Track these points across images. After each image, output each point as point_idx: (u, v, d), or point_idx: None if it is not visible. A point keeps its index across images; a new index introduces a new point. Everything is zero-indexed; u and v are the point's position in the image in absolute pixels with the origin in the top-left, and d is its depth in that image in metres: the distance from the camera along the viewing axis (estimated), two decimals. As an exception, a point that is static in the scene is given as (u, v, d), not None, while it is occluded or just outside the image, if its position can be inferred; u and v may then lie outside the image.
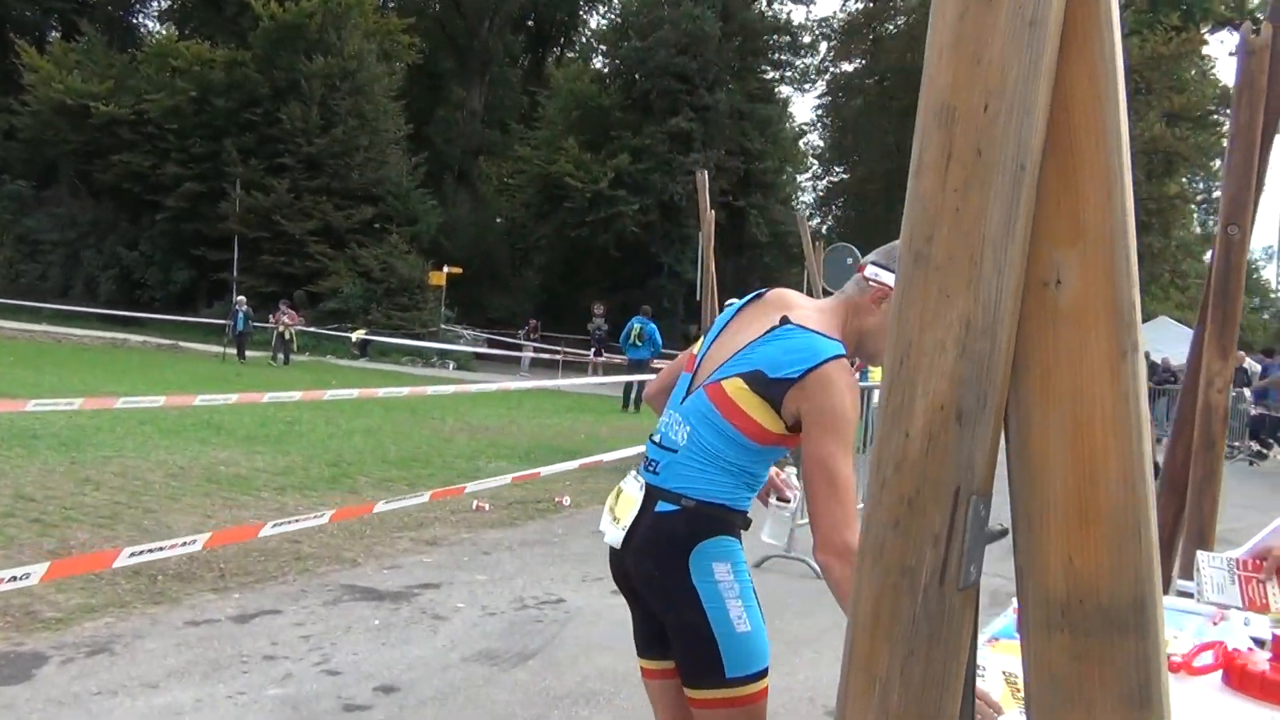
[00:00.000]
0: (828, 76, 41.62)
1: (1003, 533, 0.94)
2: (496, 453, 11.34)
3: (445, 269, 31.07)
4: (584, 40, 50.98)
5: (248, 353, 24.65)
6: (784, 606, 5.93)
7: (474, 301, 36.03)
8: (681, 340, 32.85)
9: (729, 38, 36.97)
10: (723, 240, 21.68)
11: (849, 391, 2.19)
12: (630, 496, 2.41)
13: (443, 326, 31.38)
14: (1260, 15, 37.56)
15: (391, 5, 43.13)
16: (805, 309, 2.40)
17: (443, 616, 5.38)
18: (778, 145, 40.55)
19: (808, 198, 46.77)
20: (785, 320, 2.31)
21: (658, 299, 31.12)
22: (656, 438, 2.44)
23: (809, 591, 6.39)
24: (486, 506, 8.26)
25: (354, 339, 28.25)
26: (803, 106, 58.28)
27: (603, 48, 43.78)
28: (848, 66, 39.49)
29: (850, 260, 16.87)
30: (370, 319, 30.48)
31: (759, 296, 2.51)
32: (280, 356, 24.55)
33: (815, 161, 47.33)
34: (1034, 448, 0.87)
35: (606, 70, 40.29)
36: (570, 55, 49.88)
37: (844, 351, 2.25)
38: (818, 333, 2.27)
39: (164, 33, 38.28)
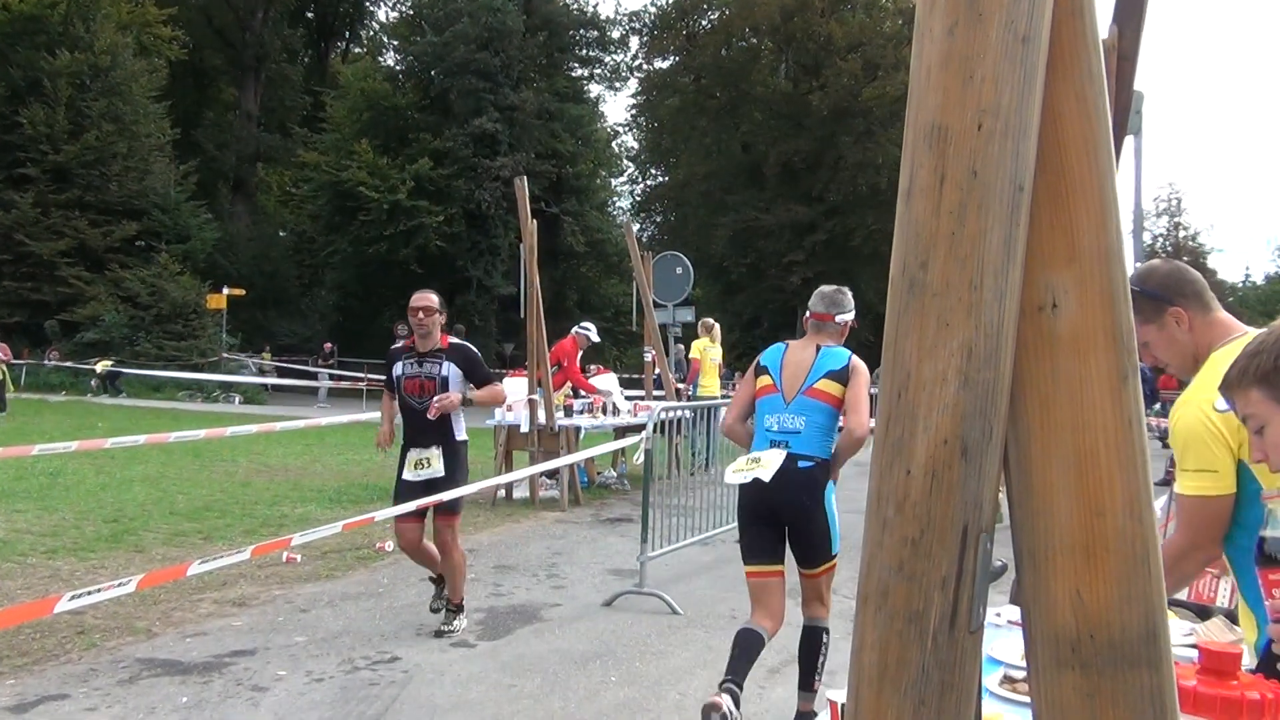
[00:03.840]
0: (641, 74, 42.34)
1: (1002, 569, 0.97)
2: (301, 496, 10.96)
3: (225, 290, 29.88)
4: (372, 34, 50.15)
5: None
6: (643, 647, 5.97)
7: (260, 326, 34.78)
8: (497, 360, 32.66)
9: (533, 32, 37.09)
10: (536, 250, 21.68)
11: (864, 366, 4.64)
12: (771, 458, 4.51)
13: (225, 356, 30.11)
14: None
15: (149, -7, 41.29)
16: (824, 341, 4.74)
17: (262, 687, 5.14)
18: (590, 147, 40.91)
19: (625, 203, 47.39)
20: (819, 348, 4.68)
21: (468, 316, 30.84)
22: (775, 428, 4.61)
23: (663, 628, 6.45)
24: (298, 558, 7.96)
25: (98, 371, 26.69)
26: (616, 107, 58.82)
27: (394, 43, 43.16)
28: (661, 64, 40.28)
29: (680, 270, 17.23)
30: (138, 349, 28.94)
31: (787, 346, 4.83)
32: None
33: (631, 164, 48.02)
34: (1036, 480, 0.90)
35: (400, 68, 39.72)
36: (357, 51, 48.95)
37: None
38: (839, 347, 4.73)
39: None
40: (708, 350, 14.14)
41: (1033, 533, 0.91)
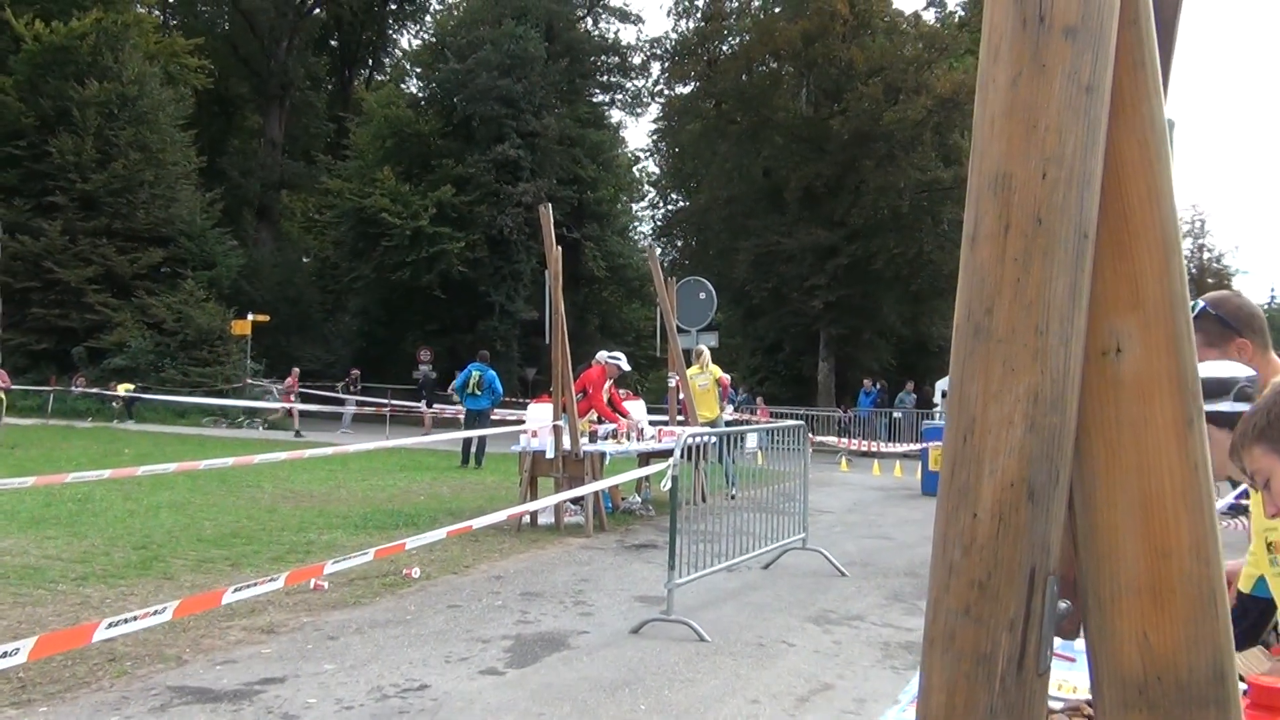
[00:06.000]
0: (662, 100, 42.55)
1: (1066, 611, 0.98)
2: (328, 522, 10.99)
3: (249, 317, 30.12)
4: (395, 61, 50.58)
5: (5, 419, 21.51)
6: (671, 674, 5.95)
7: (283, 352, 35.00)
8: (520, 386, 32.74)
9: (555, 59, 37.34)
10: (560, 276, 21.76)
11: None
12: None
13: (249, 381, 30.30)
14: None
15: (175, 24, 41.84)
16: None
17: (293, 715, 5.15)
18: (612, 173, 41.13)
19: (645, 228, 47.55)
20: None
21: (490, 341, 30.96)
22: None
23: (691, 656, 6.43)
24: (325, 585, 7.98)
25: (122, 393, 26.98)
26: (637, 132, 59.51)
27: (417, 70, 43.50)
28: (683, 89, 40.45)
29: (703, 295, 17.27)
30: (163, 375, 29.18)
31: None
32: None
33: (652, 189, 48.18)
34: (1102, 523, 0.91)
35: (423, 95, 40.03)
36: (380, 78, 49.38)
37: None
38: None
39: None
40: (695, 378, 14.14)
41: (1098, 575, 0.92)
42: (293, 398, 26.40)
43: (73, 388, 28.88)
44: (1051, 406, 0.89)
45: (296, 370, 27.38)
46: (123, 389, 27.22)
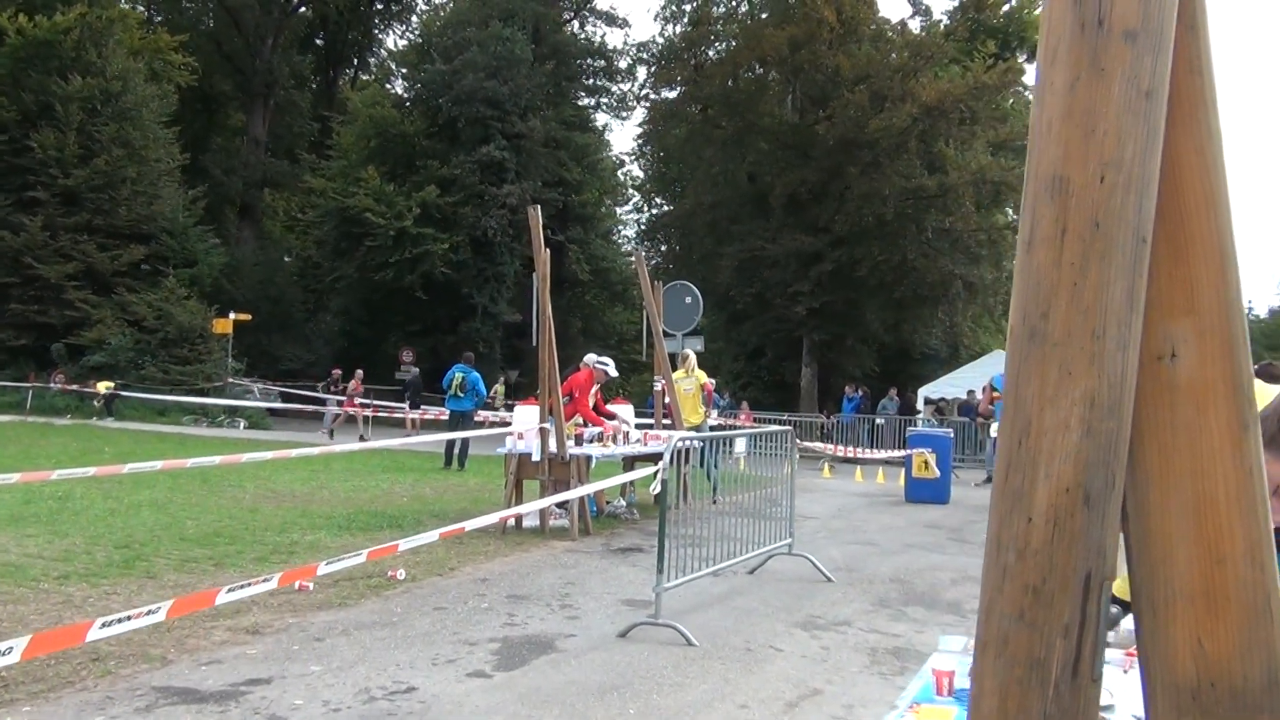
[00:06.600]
0: (647, 104, 42.56)
1: (1118, 617, 0.98)
2: (311, 523, 10.94)
3: (231, 315, 29.97)
4: (381, 62, 50.48)
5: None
6: (660, 678, 5.94)
7: (264, 351, 34.83)
8: (502, 387, 32.64)
9: (541, 61, 37.32)
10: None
11: None
12: None
13: (230, 380, 30.14)
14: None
15: (160, 20, 41.60)
16: None
17: (280, 717, 5.12)
18: (596, 176, 41.14)
19: (629, 231, 47.59)
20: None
21: (472, 343, 30.86)
22: None
23: (679, 660, 6.42)
24: (310, 585, 7.94)
25: (101, 391, 26.76)
26: (622, 136, 59.51)
27: (403, 70, 43.43)
28: (669, 94, 40.47)
29: (689, 299, 17.27)
30: (143, 373, 28.98)
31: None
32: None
33: (636, 193, 48.21)
34: (1155, 529, 0.91)
35: (409, 95, 39.94)
36: (366, 78, 49.25)
37: None
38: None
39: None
40: (680, 382, 14.14)
41: (1152, 581, 0.92)
42: (356, 401, 25.67)
43: (51, 384, 28.66)
44: (1108, 411, 0.88)
45: (360, 373, 26.58)
46: (102, 387, 27.03)
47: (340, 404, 25.44)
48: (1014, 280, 0.94)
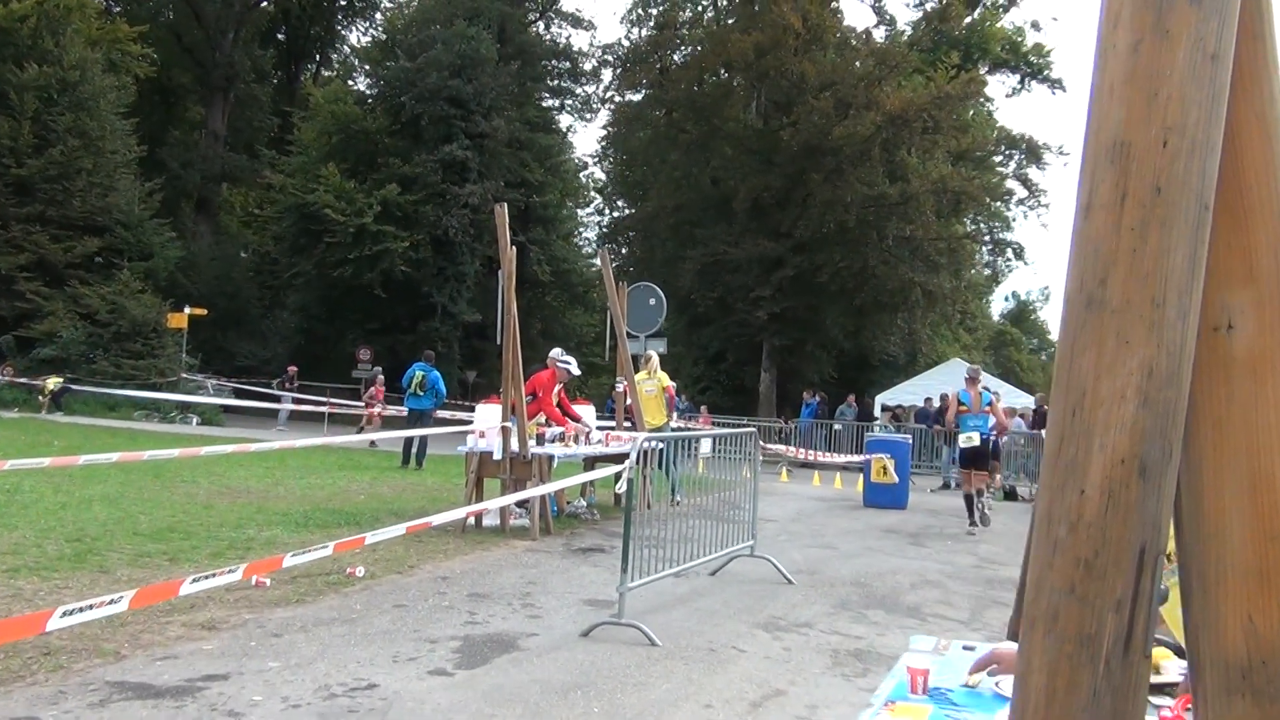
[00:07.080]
0: (612, 106, 42.55)
1: (1165, 593, 0.96)
2: (267, 519, 10.78)
3: (186, 310, 29.55)
4: (344, 58, 50.09)
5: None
6: (623, 678, 5.90)
7: (219, 347, 34.39)
8: (460, 388, 32.46)
9: (506, 61, 37.15)
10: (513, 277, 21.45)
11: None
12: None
13: (184, 376, 29.71)
14: (1034, 59, 41.01)
15: (119, 10, 40.98)
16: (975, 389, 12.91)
17: (238, 713, 5.02)
18: (559, 177, 41.01)
19: (590, 234, 47.50)
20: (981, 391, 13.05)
21: (431, 342, 30.64)
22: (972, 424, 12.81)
23: (642, 660, 6.39)
24: (267, 581, 7.82)
25: (48, 387, 26.22)
26: (586, 138, 59.36)
27: (366, 67, 43.08)
28: (633, 97, 40.48)
29: (653, 301, 17.23)
30: (95, 367, 28.49)
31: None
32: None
33: (598, 196, 48.17)
34: (1208, 503, 0.89)
35: (371, 92, 39.64)
36: (328, 74, 48.83)
37: None
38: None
39: None
40: (643, 384, 14.10)
41: (1203, 557, 0.89)
42: (375, 409, 24.36)
43: (-1, 377, 28.12)
44: (1167, 381, 0.86)
45: (381, 377, 25.60)
46: (51, 383, 26.50)
47: (365, 405, 24.36)
48: (1070, 247, 0.91)
